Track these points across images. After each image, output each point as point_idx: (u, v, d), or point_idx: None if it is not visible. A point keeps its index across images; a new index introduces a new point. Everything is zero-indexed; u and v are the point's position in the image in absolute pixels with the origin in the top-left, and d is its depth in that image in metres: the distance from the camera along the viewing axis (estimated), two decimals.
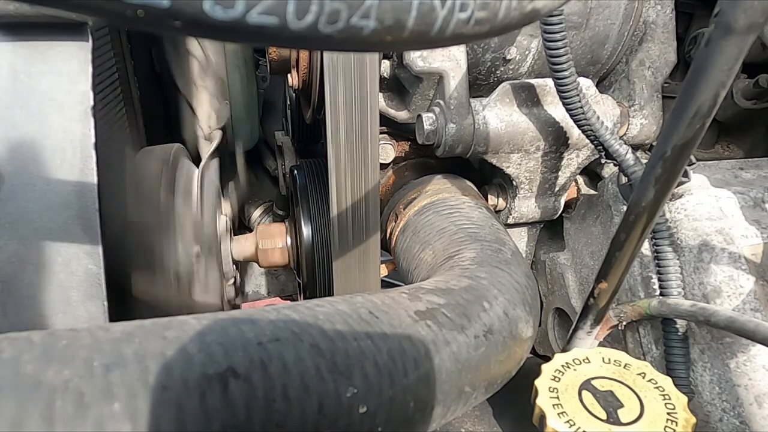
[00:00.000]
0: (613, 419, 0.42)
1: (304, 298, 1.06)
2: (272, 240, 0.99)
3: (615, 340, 0.70)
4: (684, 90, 0.40)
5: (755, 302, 0.57)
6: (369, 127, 0.66)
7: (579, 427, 0.41)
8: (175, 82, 0.99)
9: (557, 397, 0.44)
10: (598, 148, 0.69)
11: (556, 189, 0.81)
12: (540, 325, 0.81)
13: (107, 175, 0.57)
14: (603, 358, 0.48)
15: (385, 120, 0.81)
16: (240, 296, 1.15)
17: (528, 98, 0.74)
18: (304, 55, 0.83)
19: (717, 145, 0.96)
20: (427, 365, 0.42)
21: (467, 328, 0.46)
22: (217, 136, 1.01)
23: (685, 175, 0.62)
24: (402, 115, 0.81)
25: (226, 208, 0.94)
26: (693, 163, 0.67)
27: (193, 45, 0.99)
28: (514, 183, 0.79)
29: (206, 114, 1.00)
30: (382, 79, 0.79)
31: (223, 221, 0.91)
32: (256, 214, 1.42)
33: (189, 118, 1.01)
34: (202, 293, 0.78)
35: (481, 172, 0.90)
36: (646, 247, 0.64)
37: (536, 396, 0.44)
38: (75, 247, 0.55)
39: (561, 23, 0.63)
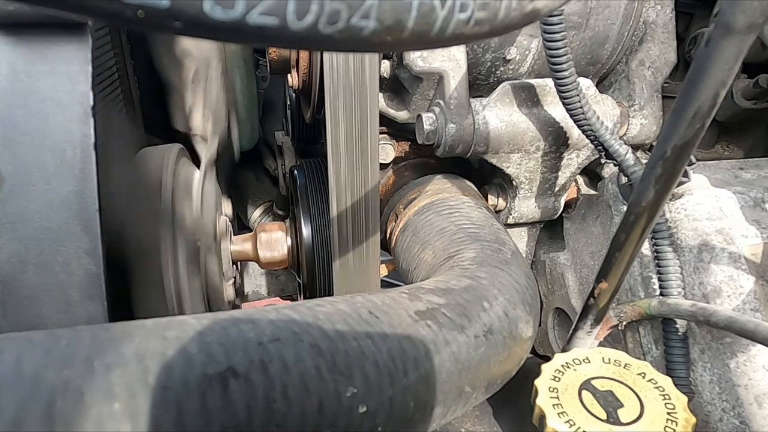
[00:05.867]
0: (613, 419, 0.42)
1: (304, 298, 1.06)
2: (272, 240, 0.99)
3: (615, 340, 0.70)
4: (684, 90, 0.40)
5: (755, 302, 0.57)
6: (369, 127, 0.66)
7: (579, 427, 0.41)
8: (171, 81, 0.99)
9: (557, 397, 0.44)
10: (598, 148, 0.69)
11: (556, 189, 0.81)
12: (540, 325, 0.80)
13: (107, 175, 0.57)
14: (603, 358, 0.48)
15: (385, 120, 0.81)
16: (240, 296, 1.15)
17: (528, 98, 0.74)
18: (304, 55, 0.83)
19: (717, 145, 0.96)
20: (427, 365, 0.42)
21: (467, 328, 0.46)
22: (216, 139, 1.01)
23: (685, 175, 0.62)
24: (402, 115, 0.81)
25: (226, 207, 0.94)
26: (693, 163, 0.67)
27: (190, 44, 0.98)
28: (514, 183, 0.79)
29: (201, 115, 1.00)
30: (382, 79, 0.79)
31: (223, 221, 0.91)
32: (256, 214, 1.42)
33: (183, 118, 1.01)
34: (201, 294, 0.78)
35: (481, 172, 0.90)
36: (646, 247, 0.64)
37: (536, 396, 0.44)
38: (75, 247, 0.54)
39: (561, 23, 0.63)
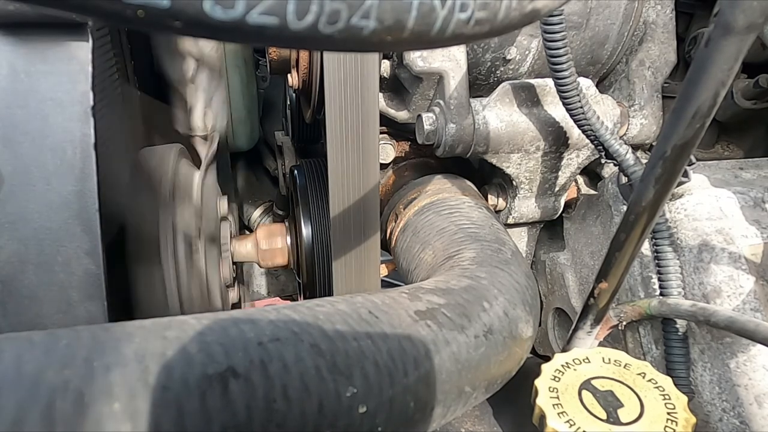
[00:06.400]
0: (613, 419, 0.42)
1: (304, 298, 1.06)
2: (272, 240, 0.99)
3: (615, 340, 0.70)
4: (684, 90, 0.40)
5: (755, 302, 0.57)
6: (369, 127, 0.66)
7: (579, 427, 0.41)
8: (170, 80, 0.98)
9: (557, 397, 0.44)
10: (598, 148, 0.69)
11: (556, 189, 0.81)
12: (540, 325, 0.80)
13: (107, 175, 0.57)
14: (603, 358, 0.48)
15: (385, 120, 0.81)
16: (240, 296, 1.15)
17: (528, 98, 0.74)
18: (304, 55, 0.83)
19: (717, 145, 0.96)
20: (427, 365, 0.42)
21: (467, 328, 0.46)
22: (217, 137, 1.01)
23: (685, 175, 0.61)
24: (402, 115, 0.81)
25: (226, 208, 0.94)
26: (693, 163, 0.67)
27: (189, 42, 0.98)
28: (514, 183, 0.79)
29: (201, 114, 1.00)
30: (382, 79, 0.79)
31: (226, 225, 0.91)
32: (256, 214, 1.42)
33: (184, 118, 1.00)
34: (201, 293, 0.78)
35: (481, 172, 0.90)
36: (646, 247, 0.64)
37: (536, 396, 0.44)
38: (75, 247, 0.55)
39: (561, 23, 0.63)
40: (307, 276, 0.97)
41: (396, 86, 0.81)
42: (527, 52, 0.79)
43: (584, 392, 0.44)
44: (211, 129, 0.97)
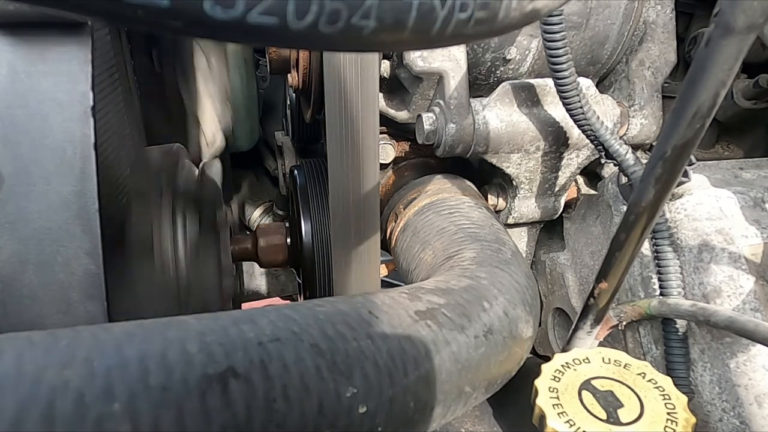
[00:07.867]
0: (613, 419, 0.42)
1: (304, 298, 1.06)
2: (272, 240, 0.99)
3: (615, 340, 0.70)
4: (684, 90, 0.40)
5: (755, 302, 0.57)
6: (369, 127, 0.66)
7: (579, 427, 0.41)
8: (179, 89, 0.99)
9: (557, 397, 0.44)
10: (598, 148, 0.69)
11: (556, 189, 0.81)
12: (540, 325, 0.80)
13: (107, 175, 0.57)
14: (603, 358, 0.48)
15: (385, 120, 0.81)
16: (241, 295, 1.15)
17: (528, 98, 0.74)
18: (304, 55, 0.83)
19: (717, 145, 0.96)
20: (427, 365, 0.42)
21: (467, 328, 0.46)
22: (219, 138, 1.01)
23: (685, 175, 0.61)
24: (402, 115, 0.81)
25: (226, 208, 0.94)
26: (693, 163, 0.67)
27: (197, 53, 0.98)
28: (514, 183, 0.79)
29: (210, 121, 1.00)
30: (382, 79, 0.79)
31: (226, 225, 0.91)
32: (256, 214, 1.42)
33: (193, 126, 1.01)
34: (201, 291, 0.78)
35: (481, 172, 0.90)
36: (646, 247, 0.64)
37: (536, 396, 0.44)
38: (75, 247, 0.55)
39: (561, 23, 0.63)
40: (307, 276, 0.97)
41: (396, 86, 0.81)
42: (527, 52, 0.79)
43: (584, 392, 0.44)
44: (217, 132, 0.97)
